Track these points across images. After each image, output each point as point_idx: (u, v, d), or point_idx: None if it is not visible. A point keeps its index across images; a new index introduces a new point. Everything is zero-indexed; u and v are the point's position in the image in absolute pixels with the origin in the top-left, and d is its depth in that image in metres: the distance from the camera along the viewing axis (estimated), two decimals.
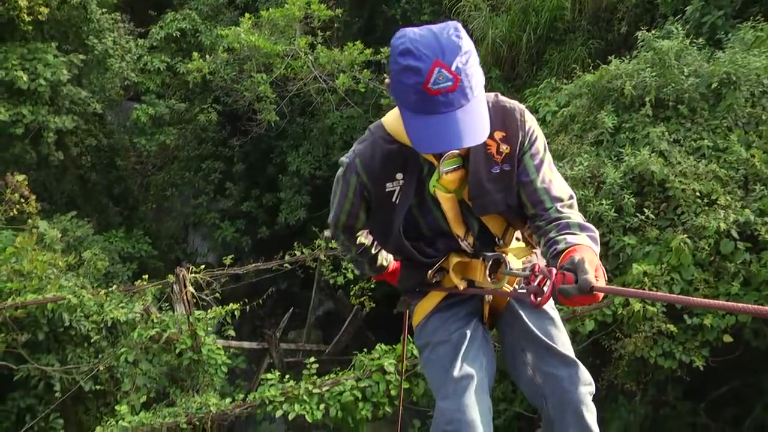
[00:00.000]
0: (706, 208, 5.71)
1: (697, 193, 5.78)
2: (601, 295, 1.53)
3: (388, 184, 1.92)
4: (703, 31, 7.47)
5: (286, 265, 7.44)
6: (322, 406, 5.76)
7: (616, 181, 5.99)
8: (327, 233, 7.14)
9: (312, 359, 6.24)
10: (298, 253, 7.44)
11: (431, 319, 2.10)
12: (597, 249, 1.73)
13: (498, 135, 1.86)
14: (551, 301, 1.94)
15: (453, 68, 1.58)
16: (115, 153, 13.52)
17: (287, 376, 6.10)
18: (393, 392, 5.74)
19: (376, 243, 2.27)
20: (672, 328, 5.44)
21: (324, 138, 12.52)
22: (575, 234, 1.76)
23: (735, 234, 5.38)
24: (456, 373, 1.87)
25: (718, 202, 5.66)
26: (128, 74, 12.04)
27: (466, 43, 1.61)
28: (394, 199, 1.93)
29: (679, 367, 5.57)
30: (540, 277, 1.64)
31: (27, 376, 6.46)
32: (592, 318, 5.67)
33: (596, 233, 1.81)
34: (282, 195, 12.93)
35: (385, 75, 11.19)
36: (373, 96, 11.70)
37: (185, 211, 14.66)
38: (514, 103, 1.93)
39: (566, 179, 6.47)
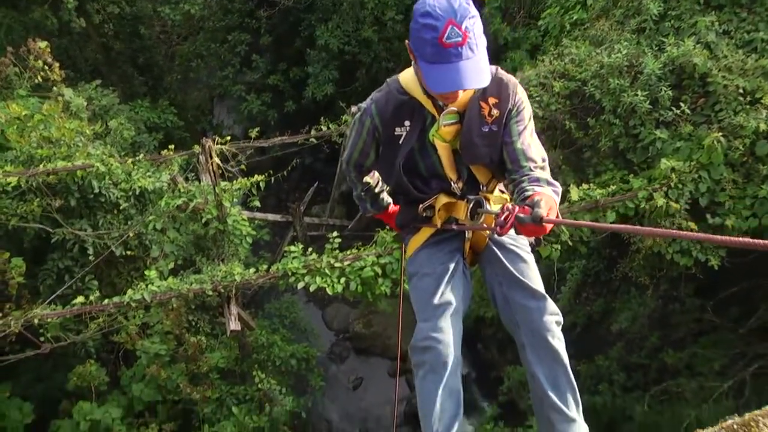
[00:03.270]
0: (748, 106, 5.47)
1: (740, 90, 5.51)
2: (549, 226, 1.92)
3: (396, 129, 2.32)
4: None
5: (312, 139, 7.30)
6: (342, 280, 5.91)
7: (655, 72, 5.72)
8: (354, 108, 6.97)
9: (335, 234, 6.28)
10: (324, 128, 7.26)
11: (421, 252, 2.50)
12: (558, 200, 2.12)
13: (491, 100, 2.25)
14: (527, 246, 2.44)
15: (463, 27, 1.95)
16: (138, 21, 13.16)
17: (310, 250, 6.20)
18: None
19: (379, 184, 2.74)
20: (693, 226, 5.42)
21: (354, 12, 12.03)
22: (542, 186, 2.13)
23: None
24: (437, 300, 2.25)
25: (762, 101, 5.40)
26: None
27: (474, 11, 1.98)
28: (400, 142, 2.33)
29: (694, 265, 5.61)
30: (506, 213, 1.97)
31: (63, 239, 6.74)
32: (614, 210, 5.65)
33: (559, 189, 2.18)
34: (309, 69, 12.65)
35: None
36: None
37: (211, 82, 14.52)
38: (510, 77, 2.29)
39: (602, 66, 6.18)
